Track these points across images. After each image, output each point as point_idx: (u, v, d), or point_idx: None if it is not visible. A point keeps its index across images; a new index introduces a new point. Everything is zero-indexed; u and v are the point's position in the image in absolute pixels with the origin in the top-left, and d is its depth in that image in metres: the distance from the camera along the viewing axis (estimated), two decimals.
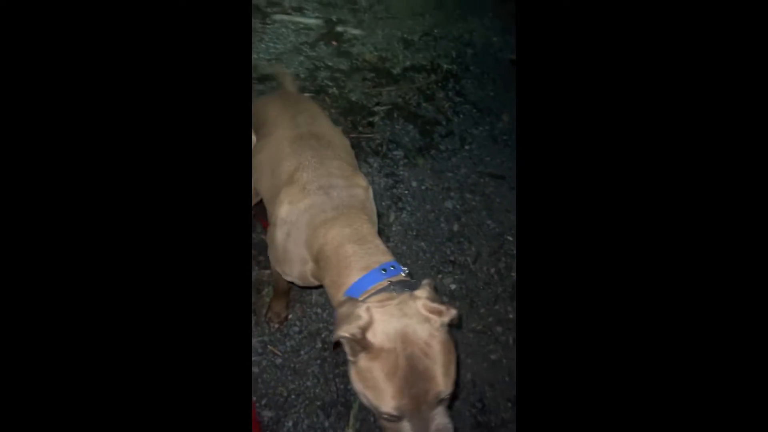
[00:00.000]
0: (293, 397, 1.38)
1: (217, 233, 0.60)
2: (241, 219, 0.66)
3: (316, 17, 3.09)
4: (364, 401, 0.85)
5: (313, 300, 1.60)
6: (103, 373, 0.54)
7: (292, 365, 1.44)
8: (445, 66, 2.77)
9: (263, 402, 1.35)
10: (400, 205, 1.95)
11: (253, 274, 1.64)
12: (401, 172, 2.08)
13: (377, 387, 0.80)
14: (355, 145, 1.89)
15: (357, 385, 0.84)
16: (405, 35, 3.01)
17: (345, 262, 0.97)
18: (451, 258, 1.79)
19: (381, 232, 1.83)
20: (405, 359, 0.79)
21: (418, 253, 1.79)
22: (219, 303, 0.59)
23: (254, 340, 1.48)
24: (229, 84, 0.62)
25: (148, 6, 0.58)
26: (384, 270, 0.93)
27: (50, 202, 0.54)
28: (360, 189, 1.13)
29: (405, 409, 0.80)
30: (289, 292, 1.52)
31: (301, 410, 1.35)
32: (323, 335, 1.52)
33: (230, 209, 0.62)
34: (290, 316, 1.55)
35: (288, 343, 1.49)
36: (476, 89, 2.65)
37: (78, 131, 0.55)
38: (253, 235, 1.77)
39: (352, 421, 1.33)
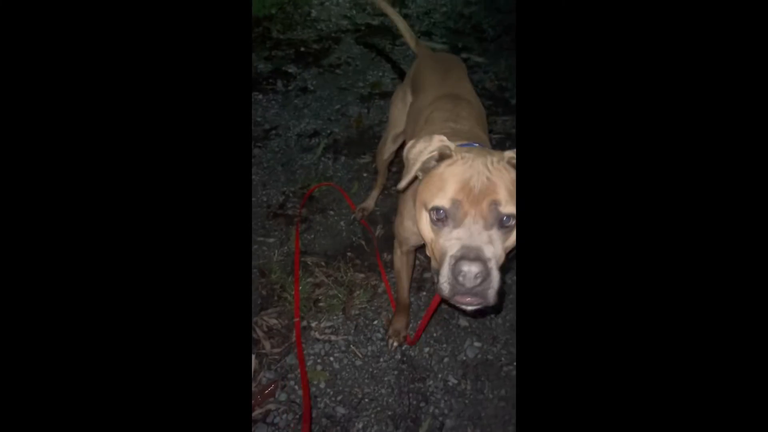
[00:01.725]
0: (366, 401, 1.42)
1: (216, 235, 0.58)
2: (240, 221, 0.63)
3: (443, 42, 3.20)
4: (418, 207, 0.93)
5: None
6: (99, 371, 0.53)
7: (371, 370, 1.49)
8: None
9: (338, 398, 1.41)
10: None
11: (348, 275, 1.73)
12: None
13: (442, 185, 0.88)
14: None
15: (421, 192, 0.93)
16: None
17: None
18: None
19: None
20: (475, 170, 0.87)
21: (511, 285, 1.74)
22: (218, 307, 0.58)
23: (339, 338, 1.56)
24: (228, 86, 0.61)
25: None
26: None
27: (53, 204, 0.53)
28: (483, 138, 1.22)
29: (458, 206, 0.85)
30: (409, 309, 1.56)
31: (372, 416, 1.38)
32: (403, 347, 1.54)
33: (230, 211, 0.60)
34: (375, 322, 1.61)
35: (369, 348, 1.54)
36: None
37: (78, 128, 0.54)
38: (353, 239, 1.87)
39: None
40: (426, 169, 0.94)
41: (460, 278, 0.80)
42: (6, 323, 0.50)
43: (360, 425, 1.36)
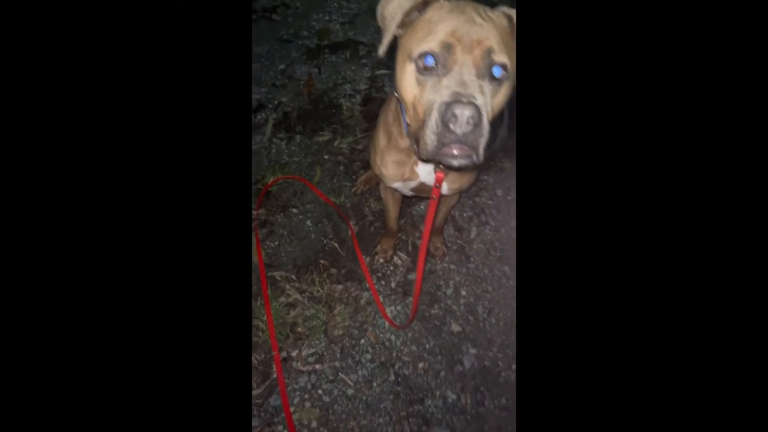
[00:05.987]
0: None
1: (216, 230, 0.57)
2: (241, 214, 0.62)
3: None
4: (400, 63, 0.84)
5: (386, 325, 1.50)
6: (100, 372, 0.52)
7: (364, 398, 1.37)
8: None
9: None
10: (483, 218, 1.76)
11: (324, 288, 1.54)
12: (485, 177, 1.87)
13: (431, 29, 0.79)
14: None
15: (405, 44, 0.83)
16: None
17: None
18: None
19: (461, 250, 1.67)
20: (466, 16, 0.79)
21: (501, 278, 1.63)
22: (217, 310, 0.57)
23: (325, 366, 1.42)
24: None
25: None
26: None
27: (51, 202, 0.52)
28: None
29: (449, 50, 0.77)
30: (398, 233, 1.60)
31: None
32: (396, 366, 1.43)
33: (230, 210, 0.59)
34: (362, 341, 1.46)
35: (360, 372, 1.42)
36: None
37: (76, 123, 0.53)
38: (323, 241, 1.65)
39: None
40: (408, 22, 0.85)
41: (452, 124, 0.73)
42: (5, 324, 0.50)
43: None
